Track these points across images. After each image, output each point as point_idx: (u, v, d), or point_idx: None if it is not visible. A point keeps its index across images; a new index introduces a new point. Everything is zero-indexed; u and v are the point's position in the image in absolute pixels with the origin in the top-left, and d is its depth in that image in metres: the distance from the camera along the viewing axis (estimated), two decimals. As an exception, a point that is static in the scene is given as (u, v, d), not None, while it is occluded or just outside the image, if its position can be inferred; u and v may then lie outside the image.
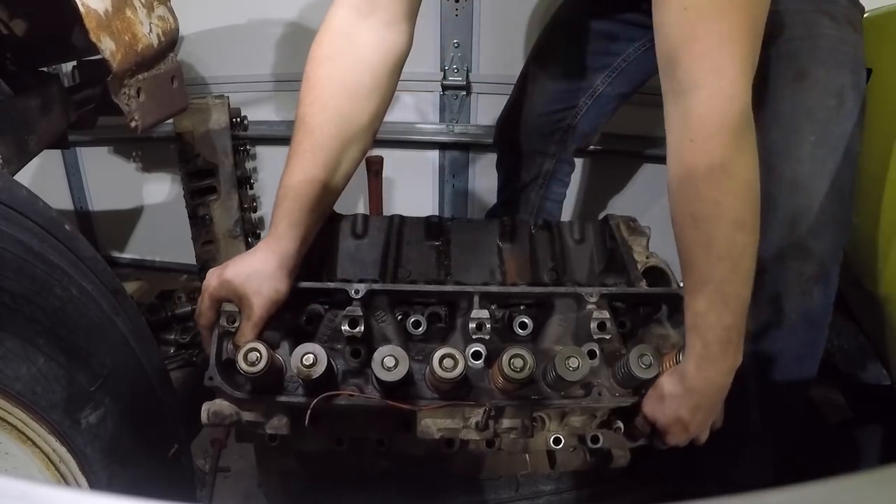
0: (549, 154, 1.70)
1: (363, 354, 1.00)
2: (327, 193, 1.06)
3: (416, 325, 1.07)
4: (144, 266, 2.88)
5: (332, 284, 1.07)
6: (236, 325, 1.00)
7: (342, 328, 0.98)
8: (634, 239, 1.34)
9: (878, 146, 1.29)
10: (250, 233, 2.34)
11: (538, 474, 1.23)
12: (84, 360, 0.94)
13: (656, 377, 0.99)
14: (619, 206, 2.43)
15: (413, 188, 2.52)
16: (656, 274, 1.26)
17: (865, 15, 1.37)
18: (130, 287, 2.34)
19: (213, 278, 1.01)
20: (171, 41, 1.44)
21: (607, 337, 1.03)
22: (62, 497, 0.30)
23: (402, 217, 1.49)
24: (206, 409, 1.00)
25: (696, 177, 0.82)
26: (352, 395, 0.95)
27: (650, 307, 1.14)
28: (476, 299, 1.04)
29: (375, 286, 1.04)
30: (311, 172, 1.03)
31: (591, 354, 1.02)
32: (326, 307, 1.08)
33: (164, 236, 2.75)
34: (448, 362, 0.90)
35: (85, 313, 0.95)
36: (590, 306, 1.05)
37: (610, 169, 2.38)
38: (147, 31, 1.33)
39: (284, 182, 1.03)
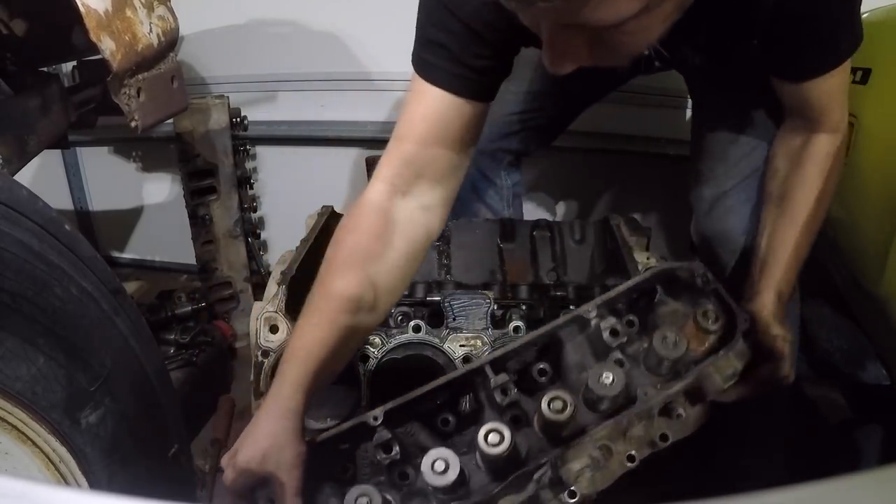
0: (511, 152, 1.60)
1: (411, 475, 0.97)
2: (337, 359, 1.01)
3: (445, 422, 1.03)
4: (144, 266, 2.87)
5: (348, 424, 1.00)
6: None
7: (378, 458, 0.95)
8: (635, 239, 1.34)
9: (876, 146, 1.29)
10: (250, 233, 2.34)
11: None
12: (84, 360, 0.94)
13: (687, 350, 0.98)
14: (618, 206, 2.42)
15: (413, 188, 2.52)
16: (656, 274, 1.26)
17: (864, 15, 1.37)
18: (130, 287, 2.34)
19: (228, 471, 0.94)
20: (171, 41, 1.44)
21: (625, 339, 1.01)
22: (62, 497, 0.30)
23: (402, 217, 1.49)
24: None
25: (818, 171, 1.13)
26: None
27: (647, 295, 1.13)
28: (488, 369, 1.00)
29: (391, 404, 0.99)
30: (324, 337, 0.98)
31: (620, 363, 1.00)
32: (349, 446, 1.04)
33: (164, 236, 2.75)
34: (494, 437, 0.89)
35: (85, 313, 0.95)
36: (594, 321, 1.03)
37: (610, 169, 2.37)
38: (147, 31, 1.33)
39: (294, 343, 0.99)
